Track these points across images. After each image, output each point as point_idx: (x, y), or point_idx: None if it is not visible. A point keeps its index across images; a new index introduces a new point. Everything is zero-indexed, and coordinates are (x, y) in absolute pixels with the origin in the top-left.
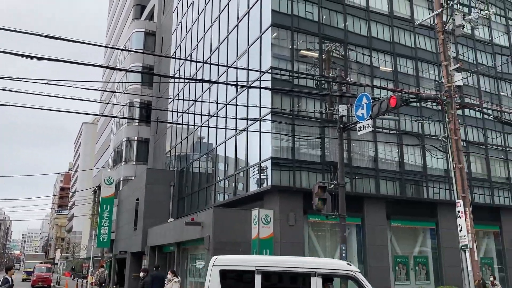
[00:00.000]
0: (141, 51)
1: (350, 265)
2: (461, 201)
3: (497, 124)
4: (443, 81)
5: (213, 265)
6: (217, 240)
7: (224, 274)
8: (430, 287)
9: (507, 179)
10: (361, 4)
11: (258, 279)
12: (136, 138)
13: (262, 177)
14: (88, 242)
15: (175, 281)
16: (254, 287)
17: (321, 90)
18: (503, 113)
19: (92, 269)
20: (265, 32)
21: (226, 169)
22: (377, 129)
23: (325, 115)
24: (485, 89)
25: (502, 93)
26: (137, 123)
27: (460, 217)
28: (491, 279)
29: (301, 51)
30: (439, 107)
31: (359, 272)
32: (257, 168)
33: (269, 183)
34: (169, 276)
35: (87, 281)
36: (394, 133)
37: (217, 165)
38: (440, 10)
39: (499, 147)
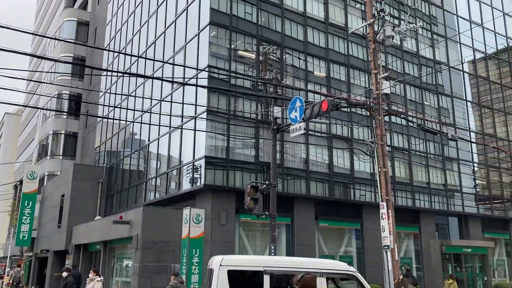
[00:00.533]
0: (73, 41)
1: (350, 265)
2: (384, 203)
3: (420, 131)
4: (372, 88)
5: (221, 265)
6: (146, 239)
7: (233, 275)
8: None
9: (427, 184)
10: (299, 9)
11: (266, 279)
12: (63, 132)
13: (195, 176)
14: (5, 240)
15: (97, 280)
16: (262, 286)
17: (257, 91)
18: (426, 121)
19: (9, 269)
20: (203, 30)
21: (158, 167)
22: (309, 132)
23: (260, 116)
24: (411, 98)
25: (426, 102)
26: (65, 116)
27: (383, 219)
28: (400, 277)
29: (239, 51)
30: (368, 113)
31: (358, 272)
32: (190, 166)
33: (202, 182)
34: (90, 275)
35: (2, 282)
36: (325, 136)
37: (149, 162)
38: (372, 20)
39: (421, 153)
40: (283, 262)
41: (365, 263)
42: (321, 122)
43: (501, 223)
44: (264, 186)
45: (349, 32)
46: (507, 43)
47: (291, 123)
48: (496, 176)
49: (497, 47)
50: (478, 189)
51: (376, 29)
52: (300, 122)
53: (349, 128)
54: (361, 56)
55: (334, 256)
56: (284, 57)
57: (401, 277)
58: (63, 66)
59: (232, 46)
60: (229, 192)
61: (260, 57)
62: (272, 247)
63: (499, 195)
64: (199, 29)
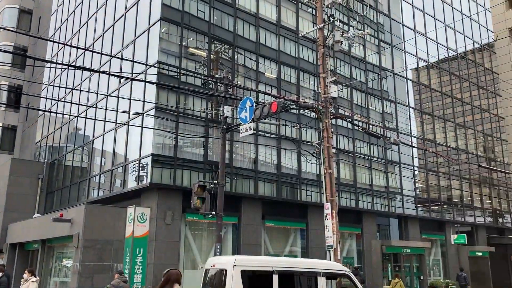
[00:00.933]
0: (14, 29)
1: (344, 266)
2: (329, 204)
3: (364, 135)
4: (320, 91)
5: (234, 265)
6: (88, 238)
7: (245, 274)
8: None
9: (370, 186)
10: (251, 10)
11: (275, 278)
12: (1, 125)
13: (141, 174)
14: None
15: (32, 281)
16: (272, 286)
17: (208, 90)
18: (370, 126)
19: None
20: (153, 25)
21: (103, 164)
22: (259, 132)
23: (210, 115)
24: (357, 102)
25: (371, 107)
26: (3, 108)
27: (327, 219)
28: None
29: (190, 48)
30: (316, 116)
31: (350, 271)
32: (136, 164)
33: (148, 181)
34: (25, 275)
35: None
36: (274, 137)
37: (93, 159)
38: (322, 25)
39: (365, 156)
40: (290, 262)
41: None
42: (271, 123)
43: (438, 224)
44: (212, 185)
45: (300, 35)
46: (447, 53)
47: (241, 123)
48: (435, 179)
49: (438, 56)
50: (417, 192)
51: (325, 33)
52: (250, 122)
53: (298, 129)
54: (311, 60)
55: (279, 255)
56: (235, 57)
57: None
58: (2, 55)
59: (184, 43)
60: (176, 191)
61: (212, 55)
62: (218, 247)
63: (436, 198)
64: (149, 24)
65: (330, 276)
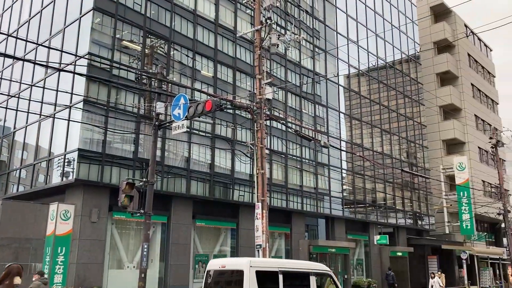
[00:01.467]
0: None
1: (327, 267)
2: (260, 203)
3: (297, 137)
4: (255, 92)
5: (250, 266)
6: (4, 235)
7: (258, 274)
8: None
9: (300, 187)
10: (189, 6)
11: (281, 277)
12: None
13: (66, 169)
14: None
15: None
16: (278, 284)
17: (141, 85)
18: (302, 128)
19: None
20: (85, 14)
21: (24, 157)
22: (193, 131)
23: (143, 111)
24: (291, 105)
25: (304, 111)
26: None
27: (257, 219)
28: None
29: (124, 41)
30: (250, 116)
31: (331, 271)
32: (61, 159)
33: (74, 176)
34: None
35: None
36: (208, 136)
37: (14, 152)
38: (259, 27)
39: (296, 158)
40: (290, 264)
41: None
42: (205, 121)
43: (362, 225)
44: (141, 183)
45: (237, 35)
46: (377, 62)
47: (173, 120)
48: (361, 182)
49: (368, 65)
50: (344, 194)
51: (262, 35)
52: (183, 120)
53: (233, 129)
54: (248, 61)
55: (208, 255)
56: (172, 53)
57: None
58: None
59: (117, 36)
60: (103, 188)
61: (146, 50)
62: (145, 246)
63: (362, 200)
64: (81, 13)
65: (318, 275)
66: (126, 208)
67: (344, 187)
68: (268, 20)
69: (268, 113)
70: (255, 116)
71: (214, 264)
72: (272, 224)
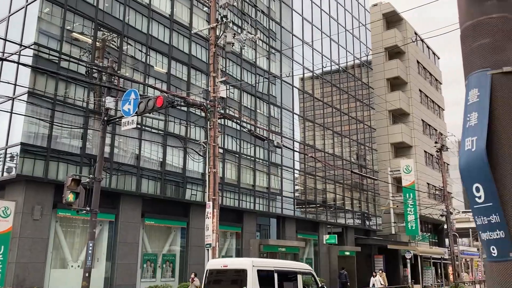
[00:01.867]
0: None
1: (309, 266)
2: (211, 202)
3: (251, 136)
4: (209, 90)
5: (253, 266)
6: None
7: (259, 273)
8: (174, 283)
9: (252, 186)
10: (144, 1)
11: (276, 276)
12: None
13: (8, 164)
14: None
15: None
16: (274, 281)
17: (91, 78)
18: (256, 128)
19: None
20: (32, 3)
21: None
22: (145, 127)
23: (92, 105)
24: (246, 105)
25: (258, 111)
26: None
27: (208, 218)
28: (192, 275)
29: (74, 33)
30: (204, 114)
31: (313, 270)
32: (2, 153)
33: (15, 172)
34: None
35: None
36: (160, 134)
37: None
38: (215, 24)
39: (250, 157)
40: (283, 264)
41: (188, 261)
42: (157, 118)
43: (312, 225)
44: (88, 180)
45: (192, 32)
46: (330, 65)
47: (123, 116)
48: (312, 183)
49: (322, 68)
50: (296, 194)
51: (218, 33)
52: (133, 115)
53: (186, 127)
54: (204, 58)
55: (157, 254)
56: (124, 47)
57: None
58: None
59: (67, 27)
60: (48, 184)
61: (98, 43)
62: (90, 245)
63: (313, 200)
64: (27, 1)
65: (303, 273)
66: (71, 206)
67: (296, 187)
68: (223, 18)
69: (222, 111)
70: (208, 114)
71: (215, 264)
72: (224, 224)
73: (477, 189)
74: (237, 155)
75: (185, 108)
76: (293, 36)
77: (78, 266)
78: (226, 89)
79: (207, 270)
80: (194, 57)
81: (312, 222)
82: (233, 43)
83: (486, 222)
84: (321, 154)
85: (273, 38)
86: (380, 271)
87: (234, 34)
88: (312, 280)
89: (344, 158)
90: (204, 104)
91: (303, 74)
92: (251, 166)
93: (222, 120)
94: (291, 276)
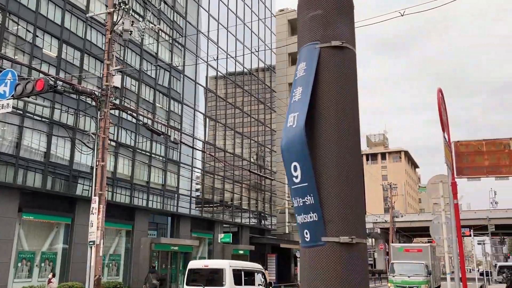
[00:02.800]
0: None
1: (262, 266)
2: (97, 197)
3: (151, 132)
4: (102, 78)
5: (229, 266)
6: None
7: (233, 272)
8: (53, 284)
9: (146, 183)
10: None
11: (243, 274)
12: None
13: None
14: None
15: None
16: (241, 278)
17: None
18: (154, 122)
19: None
20: None
21: None
22: (27, 114)
23: None
24: (145, 98)
25: (158, 105)
26: None
27: (93, 214)
28: (50, 276)
29: None
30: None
31: (264, 269)
32: None
33: None
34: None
35: None
36: (45, 121)
37: None
38: (112, 9)
39: (146, 153)
40: (246, 264)
41: (71, 260)
42: (39, 103)
43: (208, 224)
44: None
45: (87, 15)
46: (235, 66)
47: None
48: (211, 182)
49: (227, 68)
50: (193, 192)
51: (115, 19)
52: (9, 98)
53: (75, 116)
54: (100, 44)
55: (35, 252)
56: (7, 23)
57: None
58: None
59: None
60: None
61: None
62: None
63: (210, 199)
64: None
65: (258, 272)
66: None
67: (194, 185)
68: (122, 4)
69: (115, 101)
70: (99, 104)
71: (197, 264)
72: (113, 221)
73: (295, 168)
74: (132, 150)
75: (75, 96)
76: (199, 32)
77: None
78: (122, 79)
79: (189, 269)
80: (90, 43)
81: (208, 221)
82: (131, 31)
83: (301, 204)
84: (222, 154)
85: (180, 34)
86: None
87: (133, 21)
88: (262, 276)
89: (244, 159)
90: (95, 92)
91: (207, 72)
92: (147, 162)
93: (118, 112)
94: (252, 274)
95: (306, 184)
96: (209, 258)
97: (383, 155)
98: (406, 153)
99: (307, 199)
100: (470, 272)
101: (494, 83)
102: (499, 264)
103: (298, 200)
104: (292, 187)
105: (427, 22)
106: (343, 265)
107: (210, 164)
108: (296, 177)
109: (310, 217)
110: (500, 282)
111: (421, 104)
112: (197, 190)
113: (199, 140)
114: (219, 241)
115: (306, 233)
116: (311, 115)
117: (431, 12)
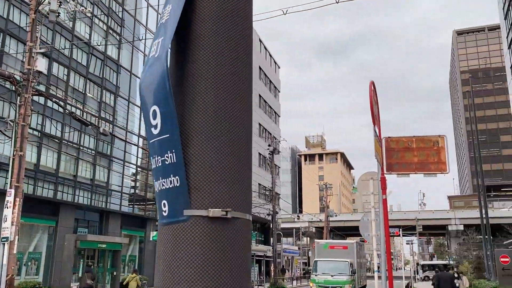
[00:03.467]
0: None
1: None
2: (12, 190)
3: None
4: (25, 61)
5: None
6: None
7: None
8: None
9: (74, 177)
10: None
11: None
12: None
13: None
14: None
15: None
16: None
17: None
18: (84, 113)
19: None
20: None
21: None
22: None
23: None
24: (75, 86)
25: (89, 94)
26: None
27: (7, 208)
28: None
29: None
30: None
31: None
32: None
33: None
34: None
35: None
36: None
37: None
38: None
39: (74, 145)
40: None
41: None
42: None
43: (140, 221)
44: None
45: None
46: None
47: None
48: (144, 177)
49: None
50: (125, 188)
51: None
52: None
53: None
54: (23, 25)
55: None
56: None
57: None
58: None
59: None
60: None
61: None
62: None
63: (142, 195)
64: None
65: None
66: None
67: (126, 181)
68: None
69: (38, 87)
70: (19, 89)
71: None
72: (34, 216)
73: (154, 114)
74: (58, 141)
75: None
76: (136, 21)
77: None
78: (50, 65)
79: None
80: (11, 22)
81: (140, 218)
82: (59, 13)
83: (160, 164)
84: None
85: (120, 24)
86: None
87: (60, 2)
88: None
89: None
90: (15, 76)
91: (143, 63)
92: (74, 154)
93: (44, 100)
94: None
95: (168, 135)
96: (140, 257)
97: (320, 156)
98: (342, 155)
99: (167, 157)
100: (396, 270)
101: (427, 90)
102: (422, 262)
103: (156, 159)
104: (150, 141)
105: (368, 28)
106: (214, 251)
107: (146, 160)
108: (155, 126)
109: (170, 181)
110: (423, 280)
111: (359, 108)
112: (131, 186)
113: (133, 134)
114: (151, 239)
115: (164, 205)
116: (182, 39)
117: (374, 19)
